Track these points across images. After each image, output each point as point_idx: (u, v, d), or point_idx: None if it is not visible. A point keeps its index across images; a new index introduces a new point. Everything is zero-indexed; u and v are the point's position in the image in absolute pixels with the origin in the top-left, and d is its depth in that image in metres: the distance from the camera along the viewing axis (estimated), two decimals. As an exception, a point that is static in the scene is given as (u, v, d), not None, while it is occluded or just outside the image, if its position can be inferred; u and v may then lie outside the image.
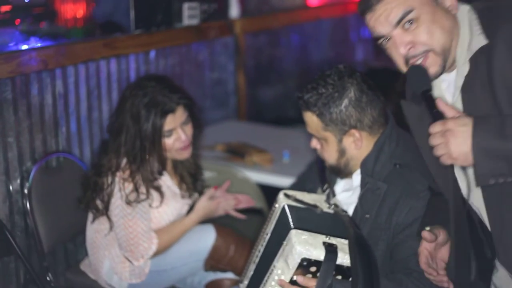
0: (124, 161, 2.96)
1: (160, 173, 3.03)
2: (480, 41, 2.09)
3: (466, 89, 2.15)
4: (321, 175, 2.70)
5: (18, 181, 3.15)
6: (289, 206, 2.38)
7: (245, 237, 3.21)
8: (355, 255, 2.22)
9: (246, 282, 2.52)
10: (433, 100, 2.03)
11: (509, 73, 2.03)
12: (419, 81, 2.10)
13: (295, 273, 2.26)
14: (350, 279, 2.24)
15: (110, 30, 3.74)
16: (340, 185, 2.67)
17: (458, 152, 1.94)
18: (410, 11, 2.09)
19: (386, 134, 2.54)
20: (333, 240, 2.29)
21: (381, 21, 2.14)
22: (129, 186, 2.93)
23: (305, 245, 2.23)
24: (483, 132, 1.93)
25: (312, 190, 2.68)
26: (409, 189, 2.44)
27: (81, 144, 3.53)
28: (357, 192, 2.57)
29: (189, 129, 3.04)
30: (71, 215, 3.17)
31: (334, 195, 2.61)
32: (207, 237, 3.10)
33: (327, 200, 2.52)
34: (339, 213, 2.44)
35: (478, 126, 1.93)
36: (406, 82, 2.22)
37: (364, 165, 2.52)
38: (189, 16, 4.23)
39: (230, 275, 3.17)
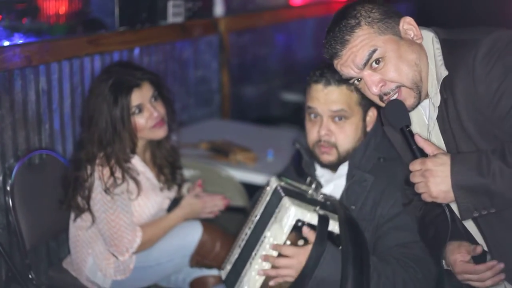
0: (98, 147, 2.96)
1: (133, 152, 3.01)
2: (442, 72, 2.13)
3: (441, 121, 2.19)
4: (298, 171, 2.71)
5: (1, 178, 3.13)
6: (281, 186, 2.41)
7: (230, 233, 3.21)
8: (345, 233, 2.26)
9: (229, 267, 2.52)
10: (412, 135, 2.10)
11: (472, 109, 2.07)
12: (397, 116, 2.15)
13: (288, 238, 2.27)
14: (340, 247, 2.28)
15: (94, 27, 3.72)
16: (321, 179, 2.69)
17: (438, 191, 2.02)
18: (374, 51, 2.13)
19: (373, 129, 2.59)
20: (322, 212, 2.32)
21: (349, 64, 2.17)
22: (106, 172, 2.93)
23: (299, 207, 2.26)
24: (461, 170, 1.99)
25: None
26: (394, 182, 2.47)
27: (64, 142, 3.51)
28: (338, 185, 2.59)
29: (160, 106, 3.04)
30: (53, 212, 3.15)
31: (321, 186, 2.63)
32: (194, 233, 3.10)
33: (315, 190, 2.53)
34: (329, 199, 2.48)
35: (455, 165, 2.00)
36: (383, 115, 2.28)
37: (352, 157, 2.54)
38: (174, 14, 4.22)
39: (214, 272, 3.17)
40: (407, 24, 2.17)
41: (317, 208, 2.33)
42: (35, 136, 3.34)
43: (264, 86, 5.47)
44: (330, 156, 2.58)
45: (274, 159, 3.88)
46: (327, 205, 2.42)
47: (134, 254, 3.01)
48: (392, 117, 2.17)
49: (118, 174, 2.94)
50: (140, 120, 2.98)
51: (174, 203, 3.15)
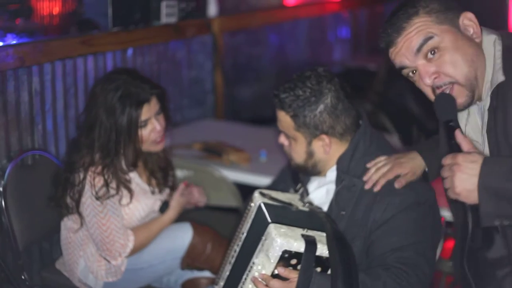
0: (97, 156, 2.95)
1: (135, 166, 3.01)
2: (499, 76, 2.08)
3: (489, 128, 2.14)
4: (293, 174, 2.72)
5: (-7, 178, 3.13)
6: (265, 204, 2.38)
7: (221, 235, 3.21)
8: (334, 249, 2.23)
9: (222, 283, 2.51)
10: (453, 130, 2.04)
11: None
12: (444, 110, 2.10)
13: (276, 266, 2.27)
14: (330, 270, 2.26)
15: (87, 27, 3.72)
16: (314, 184, 2.68)
17: (461, 188, 1.96)
18: (430, 38, 2.09)
19: (361, 133, 2.55)
20: (311, 233, 2.30)
21: (403, 53, 2.13)
22: (100, 181, 2.92)
23: (285, 237, 2.23)
24: (491, 171, 1.93)
25: (284, 190, 2.68)
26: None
27: (57, 142, 3.51)
28: (330, 190, 2.58)
29: (162, 119, 3.04)
30: (46, 213, 3.14)
31: (307, 193, 2.63)
32: (184, 235, 3.10)
33: (301, 198, 2.53)
34: (314, 210, 2.46)
35: (486, 164, 1.94)
36: (434, 109, 2.19)
37: (340, 162, 2.54)
38: (167, 14, 4.22)
39: (206, 274, 3.17)
40: (467, 20, 2.12)
41: (305, 231, 2.30)
42: (28, 136, 3.34)
43: (258, 86, 5.47)
44: (291, 162, 2.65)
45: (267, 159, 3.88)
46: (313, 219, 2.40)
47: (126, 258, 3.01)
48: (439, 109, 2.11)
49: (113, 185, 2.94)
50: (144, 133, 2.98)
51: (165, 205, 3.15)
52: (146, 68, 4.16)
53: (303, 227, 2.31)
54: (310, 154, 2.55)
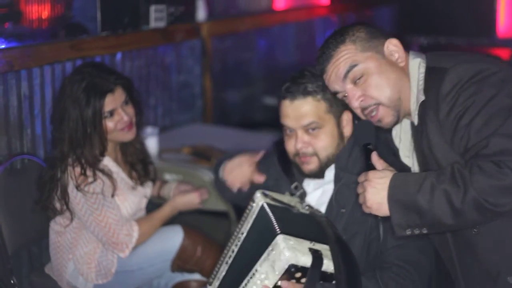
0: (68, 147, 2.96)
1: (102, 155, 3.02)
2: (420, 96, 2.24)
3: (415, 144, 2.33)
4: (288, 173, 2.71)
5: (-18, 183, 3.12)
6: (268, 205, 2.38)
7: (212, 238, 3.23)
8: (337, 255, 2.26)
9: (217, 283, 2.50)
10: (370, 152, 2.23)
11: (439, 137, 2.19)
12: (363, 135, 2.31)
13: (280, 278, 2.27)
14: (333, 282, 2.27)
15: (76, 31, 3.72)
16: (311, 185, 2.68)
17: (372, 202, 2.12)
18: (354, 65, 2.27)
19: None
20: (318, 246, 2.31)
21: (333, 79, 2.33)
22: (77, 171, 2.94)
23: (293, 251, 2.24)
24: (399, 184, 2.09)
25: (274, 187, 2.68)
26: None
27: (46, 147, 3.50)
28: (327, 190, 2.59)
29: (130, 109, 3.06)
30: (35, 218, 3.14)
31: (305, 194, 2.63)
32: (175, 237, 3.12)
33: (301, 200, 2.53)
34: (315, 213, 2.46)
35: (395, 179, 2.11)
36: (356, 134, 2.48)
37: (338, 160, 2.55)
38: (156, 18, 4.23)
39: (197, 277, 3.18)
40: (392, 46, 2.30)
41: (312, 244, 2.31)
42: (16, 141, 3.34)
43: (246, 90, 5.48)
44: (310, 165, 2.58)
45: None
46: (314, 223, 2.40)
47: (133, 249, 3.02)
48: (359, 134, 2.35)
49: (89, 173, 2.95)
50: (109, 124, 2.99)
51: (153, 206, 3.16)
52: (135, 73, 4.16)
53: (310, 240, 2.32)
54: (340, 136, 2.58)
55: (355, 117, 2.54)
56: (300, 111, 2.53)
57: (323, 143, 2.55)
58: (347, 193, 2.52)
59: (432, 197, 2.03)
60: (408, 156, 2.42)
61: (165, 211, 3.14)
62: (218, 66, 5.08)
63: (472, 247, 2.21)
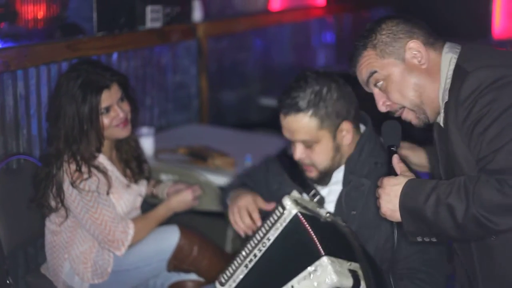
0: (64, 144, 2.97)
1: (98, 151, 3.03)
2: (445, 97, 2.18)
3: (439, 145, 2.28)
4: (300, 179, 2.70)
5: (-22, 183, 3.12)
6: (302, 214, 2.37)
7: (208, 238, 3.23)
8: (365, 265, 2.31)
9: (233, 284, 2.47)
10: (393, 154, 2.21)
11: (460, 139, 2.13)
12: (388, 136, 2.27)
13: None
14: None
15: (72, 31, 3.72)
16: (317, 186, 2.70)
17: (386, 208, 2.12)
18: (373, 72, 2.23)
19: (366, 135, 2.62)
20: (353, 266, 2.33)
21: (361, 83, 2.29)
22: (73, 168, 2.94)
23: (340, 275, 2.26)
24: (410, 193, 2.08)
25: (278, 191, 2.68)
26: None
27: (42, 147, 3.50)
28: (333, 191, 2.61)
29: (125, 106, 3.07)
30: (31, 218, 3.14)
31: (324, 201, 2.64)
32: (171, 237, 3.12)
33: (319, 206, 2.54)
34: (337, 222, 2.47)
35: (407, 187, 2.09)
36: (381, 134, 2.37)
37: (348, 163, 2.57)
38: (152, 19, 4.23)
39: (193, 277, 3.18)
40: (412, 50, 2.21)
41: (349, 264, 2.32)
42: (12, 141, 3.34)
43: (243, 91, 5.49)
44: (311, 173, 2.62)
45: (252, 164, 3.88)
46: (338, 233, 2.42)
47: (129, 247, 3.02)
48: (384, 135, 2.28)
49: (84, 169, 2.96)
50: (105, 120, 3.00)
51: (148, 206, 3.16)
52: (131, 73, 4.16)
53: (347, 260, 2.34)
54: (337, 149, 2.57)
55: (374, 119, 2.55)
56: (293, 127, 2.55)
57: (318, 158, 2.57)
58: (356, 196, 2.55)
59: (436, 209, 2.02)
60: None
61: (160, 211, 3.15)
62: (214, 67, 5.09)
63: (492, 252, 2.17)
